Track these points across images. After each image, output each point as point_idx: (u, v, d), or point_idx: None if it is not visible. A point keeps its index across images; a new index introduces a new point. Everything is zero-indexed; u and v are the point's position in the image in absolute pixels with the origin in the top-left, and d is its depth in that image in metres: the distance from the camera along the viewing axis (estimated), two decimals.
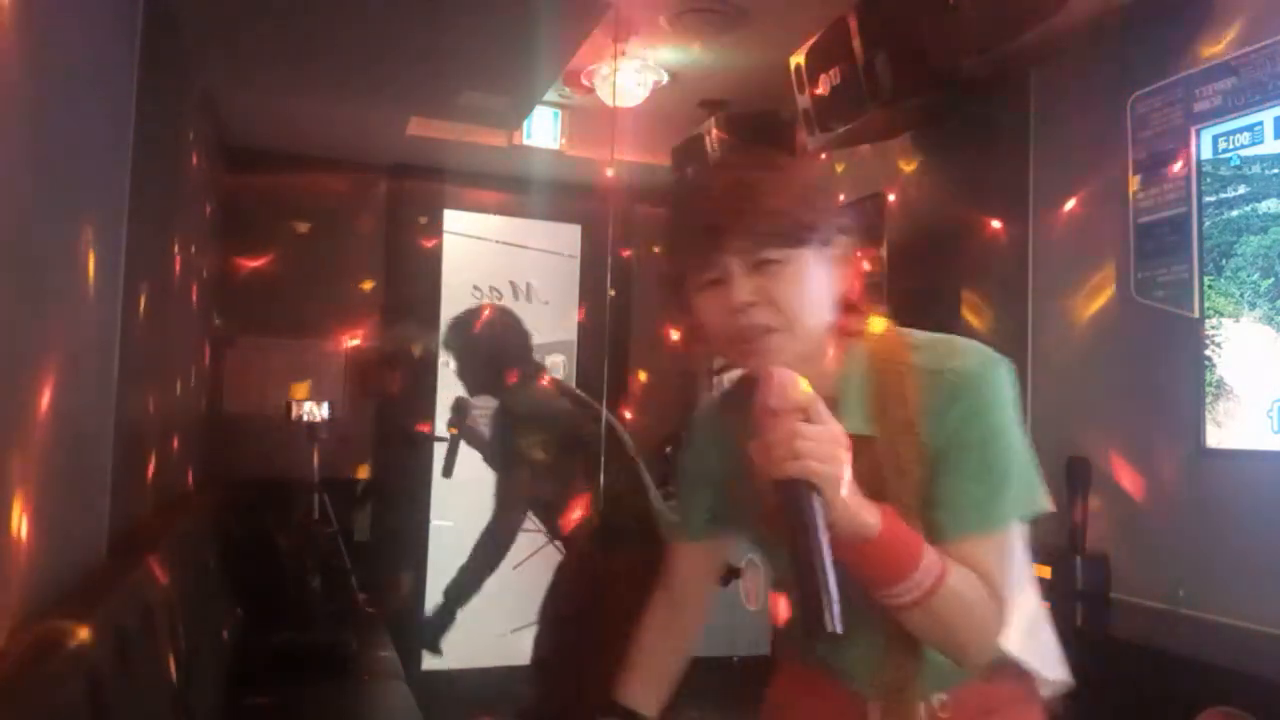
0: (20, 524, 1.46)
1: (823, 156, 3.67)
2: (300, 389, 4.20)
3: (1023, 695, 1.17)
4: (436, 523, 4.48)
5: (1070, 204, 2.55)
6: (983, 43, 2.40)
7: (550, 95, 3.82)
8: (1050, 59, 2.56)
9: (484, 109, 3.60)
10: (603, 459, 2.67)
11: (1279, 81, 2.00)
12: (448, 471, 2.93)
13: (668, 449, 4.50)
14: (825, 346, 1.08)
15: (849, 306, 1.09)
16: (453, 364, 2.84)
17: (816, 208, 1.05)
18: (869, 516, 0.93)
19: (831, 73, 2.97)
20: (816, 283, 1.04)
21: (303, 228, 4.34)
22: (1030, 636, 1.14)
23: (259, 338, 4.25)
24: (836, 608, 0.85)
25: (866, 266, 1.08)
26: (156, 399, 2.63)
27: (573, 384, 3.49)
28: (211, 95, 3.58)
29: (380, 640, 3.51)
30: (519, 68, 3.20)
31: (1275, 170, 2.00)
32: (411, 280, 4.47)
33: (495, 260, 4.71)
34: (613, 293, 4.55)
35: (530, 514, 2.81)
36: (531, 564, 4.10)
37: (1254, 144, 2.04)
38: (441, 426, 4.52)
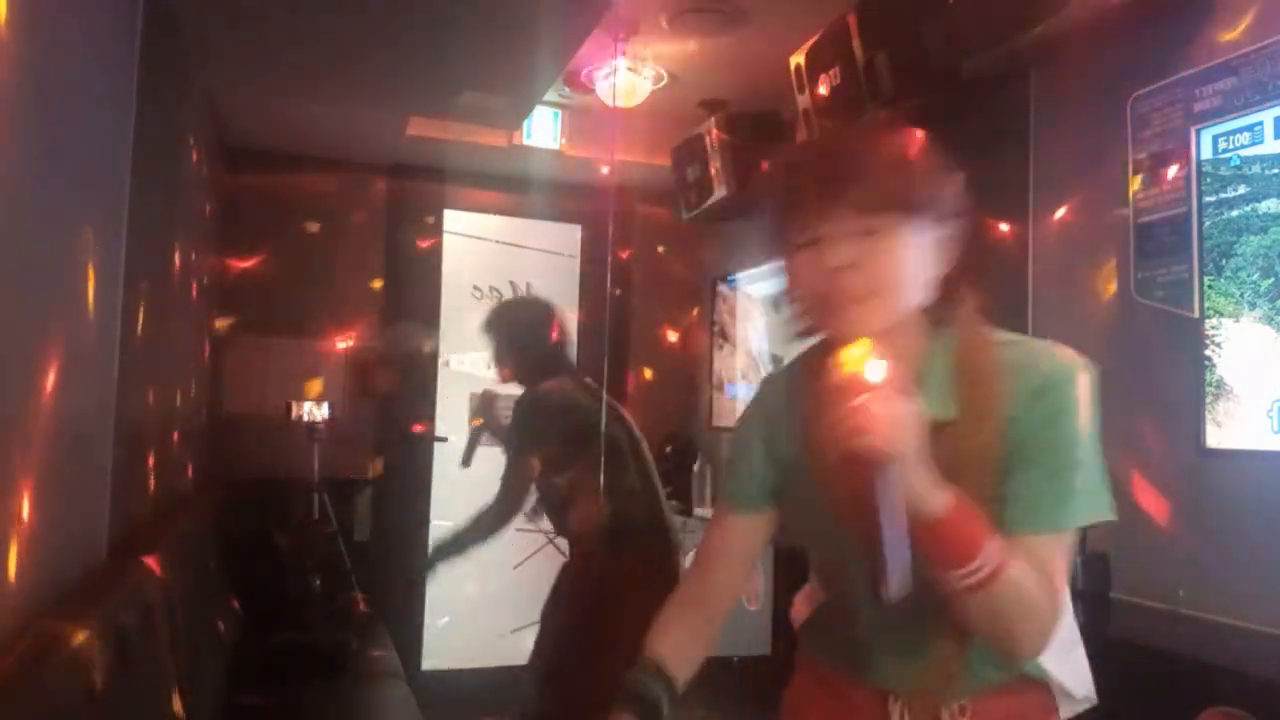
0: (20, 524, 1.46)
1: None
2: (304, 388, 4.20)
3: (1041, 708, 1.16)
4: (436, 523, 4.47)
5: (1070, 204, 2.55)
6: (983, 43, 2.40)
7: (550, 95, 3.82)
8: (1050, 59, 2.56)
9: (484, 109, 3.60)
10: (618, 462, 2.66)
11: (1279, 81, 2.00)
12: (466, 461, 2.96)
13: (668, 448, 4.50)
14: (914, 325, 1.08)
15: (946, 290, 1.08)
16: (490, 347, 2.82)
17: (930, 184, 1.04)
18: (939, 497, 0.94)
19: (831, 73, 2.97)
20: (916, 258, 1.03)
21: (303, 228, 4.34)
22: (1066, 652, 1.15)
23: (259, 338, 4.25)
24: (896, 578, 0.89)
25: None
26: (156, 399, 2.63)
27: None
28: (211, 95, 3.58)
29: (380, 640, 3.51)
30: (519, 68, 3.20)
31: (1275, 170, 2.00)
32: (411, 280, 4.47)
33: (495, 260, 4.71)
34: (617, 292, 4.56)
35: (533, 513, 2.80)
36: (532, 564, 4.11)
37: (1254, 144, 2.04)
38: (441, 426, 4.53)
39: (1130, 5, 2.20)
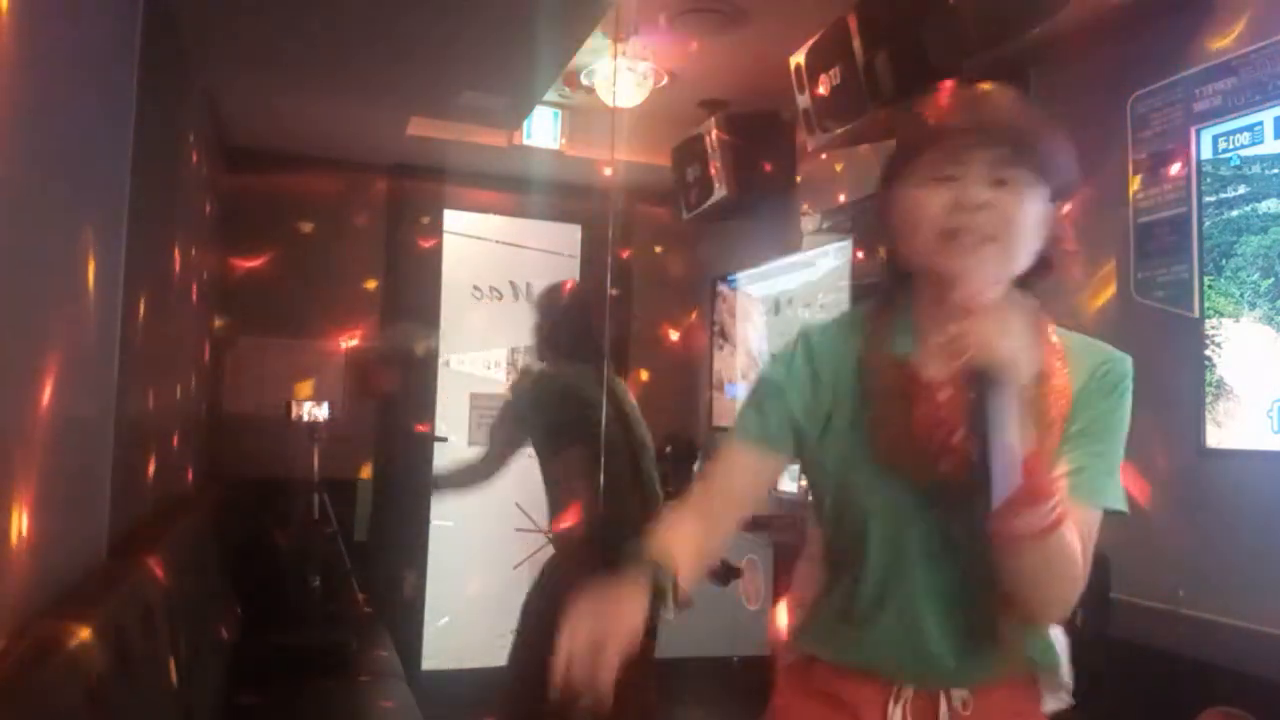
0: (20, 524, 1.46)
1: (823, 156, 3.67)
2: (304, 388, 4.20)
3: (1032, 700, 1.20)
4: (436, 523, 4.48)
5: (1070, 204, 2.55)
6: (983, 43, 2.40)
7: (550, 95, 3.82)
8: (1050, 59, 2.56)
9: (484, 109, 3.60)
10: (614, 464, 2.66)
11: (1279, 81, 2.00)
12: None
13: (668, 448, 4.50)
14: (1006, 285, 1.12)
15: (1043, 261, 1.14)
16: (535, 325, 2.88)
17: (1061, 157, 1.10)
18: (1029, 435, 1.01)
19: (831, 73, 2.97)
20: (1035, 220, 1.08)
21: (303, 228, 4.34)
22: (1063, 645, 1.20)
23: (259, 338, 4.25)
24: (1002, 484, 0.95)
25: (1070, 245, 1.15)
26: (156, 399, 2.63)
27: None
28: (211, 95, 3.58)
29: (380, 640, 3.51)
30: (519, 68, 3.20)
31: (1275, 170, 2.00)
32: (411, 280, 4.47)
33: (495, 260, 4.72)
34: (614, 292, 4.55)
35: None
36: (532, 564, 4.11)
37: (1254, 144, 2.04)
38: (441, 426, 4.53)
39: (1130, 5, 2.20)
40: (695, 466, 4.26)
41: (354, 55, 3.14)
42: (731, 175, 3.78)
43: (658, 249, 4.82)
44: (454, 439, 4.62)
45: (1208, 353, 2.11)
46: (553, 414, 2.72)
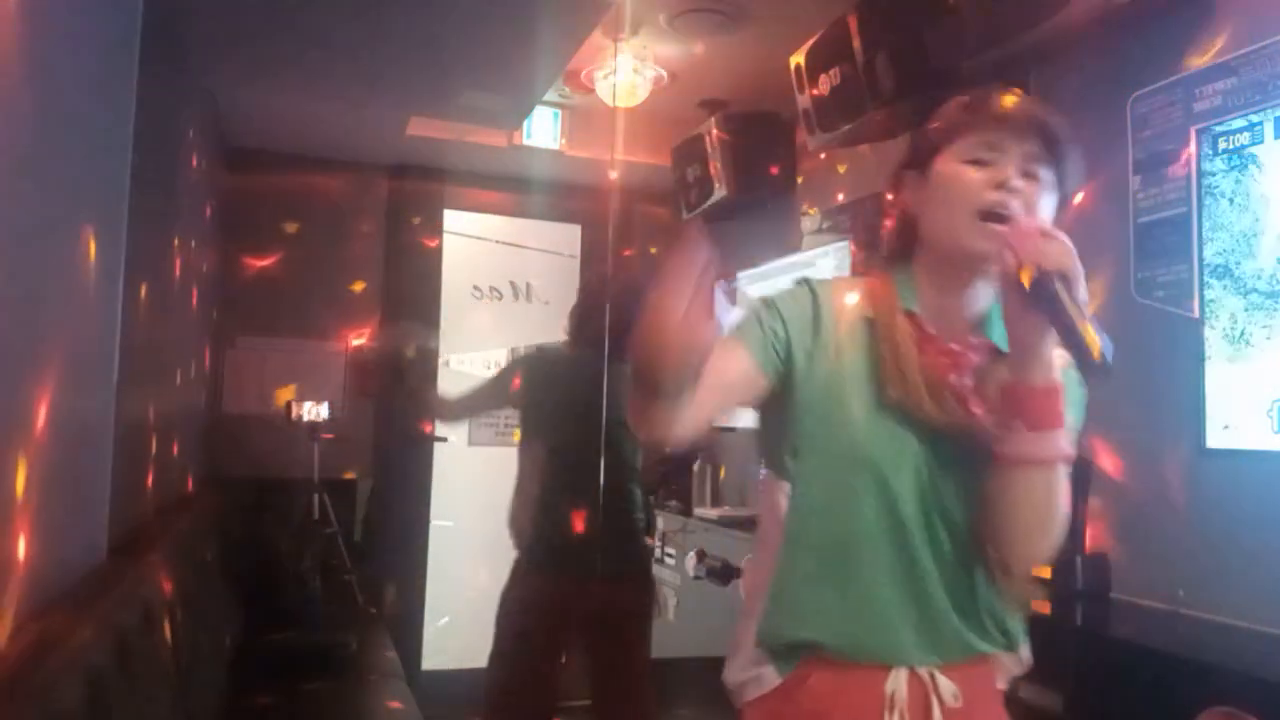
0: (21, 524, 1.46)
1: (822, 156, 3.67)
2: (313, 386, 4.20)
3: (997, 676, 1.22)
4: (436, 523, 4.48)
5: (1070, 204, 2.55)
6: (983, 43, 2.40)
7: (550, 95, 3.82)
8: (1050, 59, 2.56)
9: (484, 109, 3.60)
10: (583, 459, 2.64)
11: (1279, 81, 2.00)
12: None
13: (668, 449, 4.50)
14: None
15: None
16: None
17: (1081, 167, 1.19)
18: (1056, 362, 1.06)
19: (831, 73, 2.97)
20: (1051, 217, 1.16)
21: (303, 228, 4.34)
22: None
23: (259, 338, 4.25)
24: (1103, 341, 1.00)
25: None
26: (156, 399, 2.64)
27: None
28: (211, 95, 3.58)
29: (380, 640, 3.51)
30: (519, 68, 3.20)
31: (1275, 170, 2.00)
32: (411, 280, 4.47)
33: (495, 260, 4.72)
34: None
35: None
36: None
37: (1254, 144, 2.04)
38: (441, 426, 4.53)
39: (1130, 5, 2.20)
40: (695, 466, 4.26)
41: (354, 55, 3.14)
42: (731, 175, 3.78)
43: (657, 249, 4.82)
44: (454, 439, 4.62)
45: (1208, 353, 2.11)
46: (530, 385, 2.71)
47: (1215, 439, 2.08)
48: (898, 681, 1.13)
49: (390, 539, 4.31)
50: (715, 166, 3.82)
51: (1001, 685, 1.24)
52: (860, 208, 3.47)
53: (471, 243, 4.67)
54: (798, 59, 3.14)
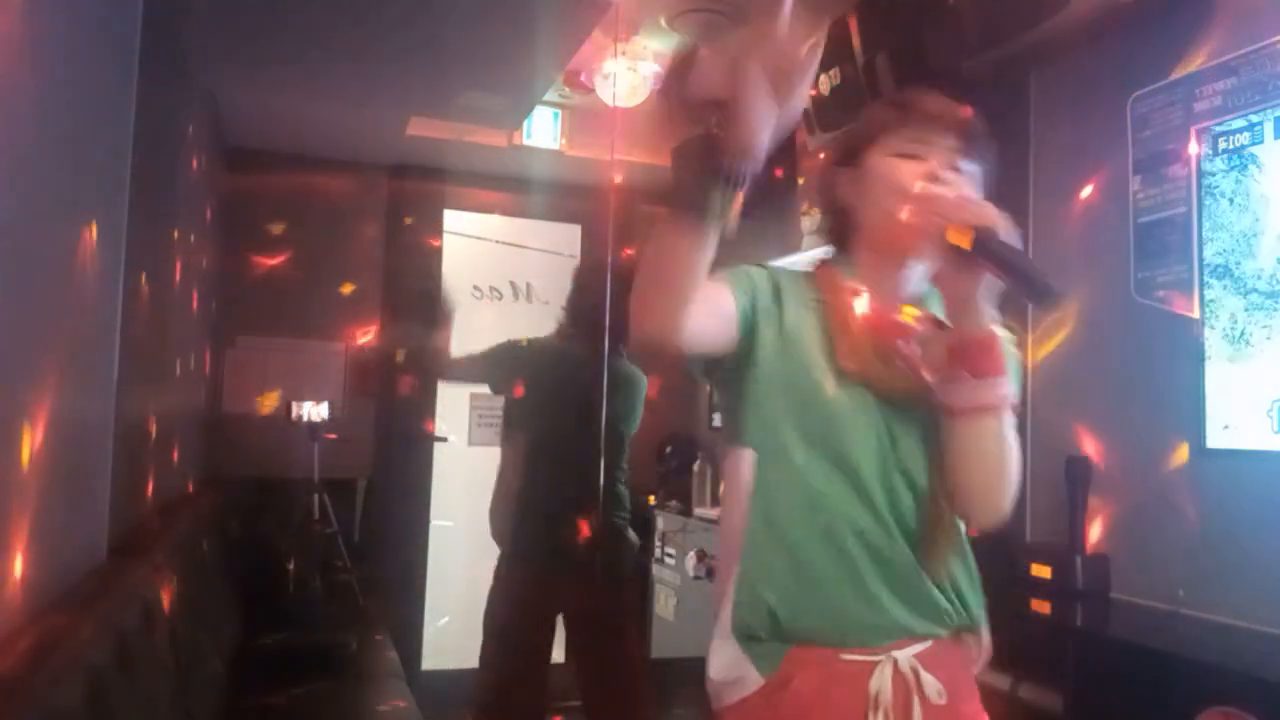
0: (21, 524, 1.46)
1: (822, 156, 3.67)
2: (313, 386, 4.19)
3: (973, 656, 1.24)
4: (436, 523, 4.48)
5: (1070, 204, 2.55)
6: (983, 43, 2.40)
7: (550, 95, 3.82)
8: (1050, 59, 2.56)
9: (484, 109, 3.60)
10: (560, 453, 2.64)
11: (1279, 81, 2.00)
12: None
13: (668, 448, 4.50)
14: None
15: None
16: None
17: (994, 165, 1.28)
18: (994, 315, 1.12)
19: (831, 73, 2.97)
20: None
21: (303, 228, 4.34)
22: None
23: (259, 338, 4.25)
24: (1049, 277, 1.08)
25: None
26: (156, 399, 2.64)
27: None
28: (211, 95, 3.58)
29: (380, 640, 3.51)
30: (519, 68, 3.20)
31: (1275, 170, 2.00)
32: (411, 280, 4.46)
33: (495, 260, 4.71)
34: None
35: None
36: None
37: (1254, 144, 2.04)
38: (441, 426, 4.54)
39: (1130, 5, 2.20)
40: (695, 466, 4.26)
41: (354, 55, 3.14)
42: None
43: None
44: (454, 439, 4.62)
45: (1208, 353, 2.11)
46: (513, 373, 2.71)
47: (1215, 439, 2.08)
48: (882, 679, 1.13)
49: (390, 539, 4.31)
50: None
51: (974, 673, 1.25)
52: None
53: (471, 243, 4.67)
54: None
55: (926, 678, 1.15)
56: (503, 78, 3.29)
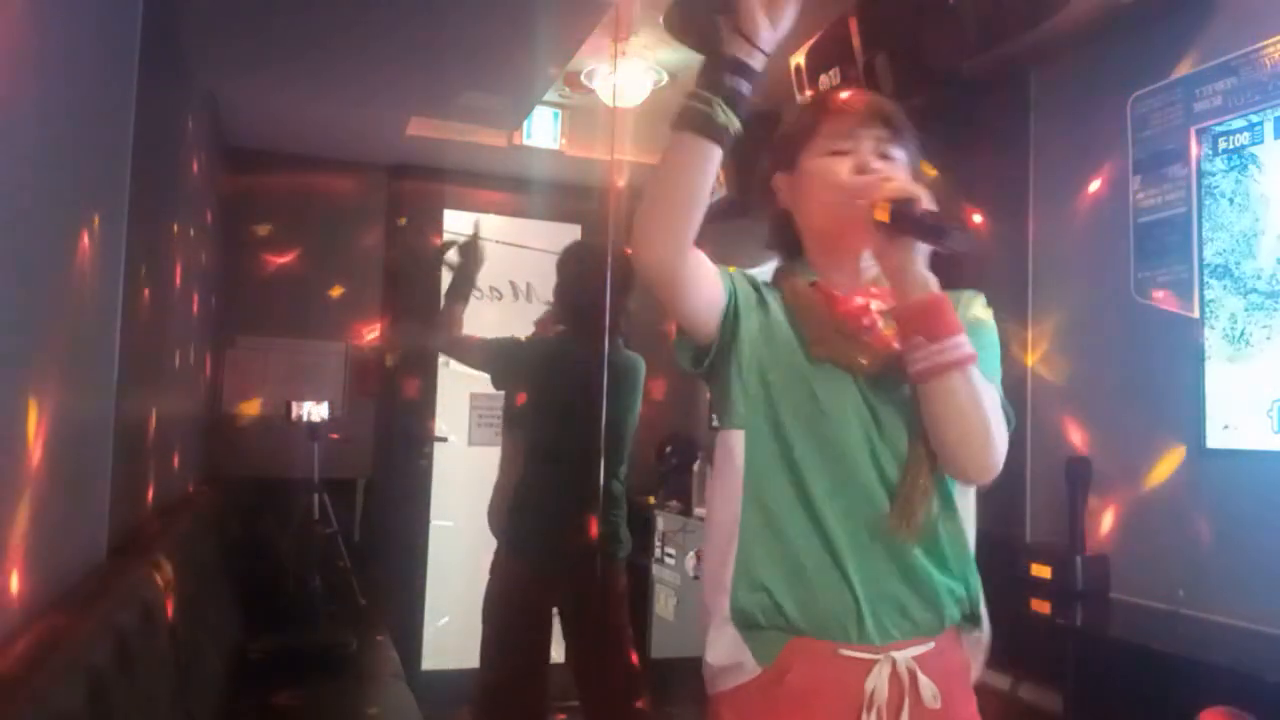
0: (21, 524, 1.46)
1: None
2: (313, 386, 4.19)
3: (968, 655, 1.25)
4: (436, 523, 4.48)
5: (1070, 204, 2.55)
6: (983, 43, 2.40)
7: (550, 95, 3.82)
8: (1050, 59, 2.56)
9: (484, 109, 3.60)
10: (555, 457, 2.64)
11: (1279, 81, 2.00)
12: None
13: (668, 448, 4.50)
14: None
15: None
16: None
17: (919, 145, 1.33)
18: (930, 278, 1.15)
19: (831, 73, 2.97)
20: None
21: (303, 228, 4.34)
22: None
23: (259, 338, 4.25)
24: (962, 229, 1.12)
25: None
26: (156, 399, 2.64)
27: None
28: (211, 95, 3.58)
29: (380, 640, 3.51)
30: (519, 68, 3.20)
31: (1275, 170, 2.00)
32: (411, 280, 4.46)
33: (495, 260, 4.68)
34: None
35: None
36: None
37: (1254, 144, 2.04)
38: (441, 426, 4.54)
39: (1130, 5, 2.20)
40: (695, 466, 4.26)
41: (354, 55, 3.14)
42: (732, 175, 3.78)
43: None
44: (454, 439, 4.62)
45: (1208, 353, 2.11)
46: (514, 375, 2.71)
47: (1215, 439, 2.08)
48: (879, 678, 1.14)
49: (390, 539, 4.31)
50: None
51: (972, 678, 1.25)
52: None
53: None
54: (798, 59, 3.14)
55: (923, 680, 1.15)
56: (503, 78, 3.29)
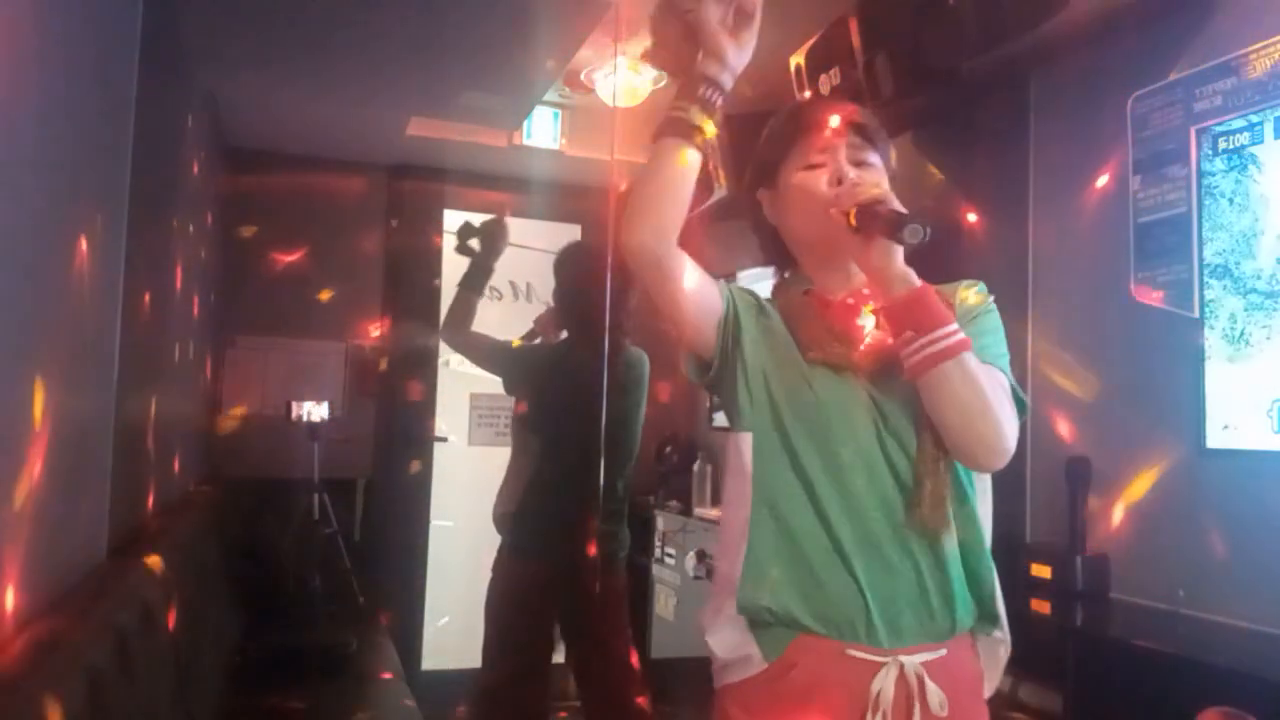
0: (21, 524, 1.46)
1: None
2: (313, 386, 4.19)
3: (976, 657, 1.25)
4: (436, 523, 4.48)
5: (1070, 204, 2.55)
6: (983, 43, 2.40)
7: (550, 95, 3.82)
8: (1050, 59, 2.56)
9: (484, 109, 3.60)
10: (559, 456, 2.64)
11: (1279, 81, 2.00)
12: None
13: (668, 448, 4.50)
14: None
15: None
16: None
17: (890, 151, 1.35)
18: (910, 273, 1.17)
19: (831, 73, 2.97)
20: (885, 187, 1.26)
21: (302, 228, 4.34)
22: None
23: (259, 338, 4.25)
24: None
25: None
26: (156, 399, 2.63)
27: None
28: (211, 95, 3.58)
29: (380, 640, 3.51)
30: (519, 68, 3.20)
31: (1275, 170, 2.00)
32: (411, 280, 4.46)
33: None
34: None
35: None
36: None
37: (1254, 144, 2.04)
38: (441, 426, 4.54)
39: (1130, 5, 2.20)
40: (695, 467, 4.26)
41: (354, 55, 3.14)
42: (732, 175, 3.78)
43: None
44: (454, 439, 4.62)
45: (1208, 353, 2.11)
46: (518, 381, 2.72)
47: (1215, 439, 2.08)
48: (885, 681, 1.14)
49: (390, 539, 4.31)
50: (715, 166, 3.82)
51: (987, 691, 1.25)
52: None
53: (454, 250, 4.67)
54: (798, 59, 3.13)
55: (931, 687, 1.15)
56: (503, 78, 3.29)
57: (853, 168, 1.27)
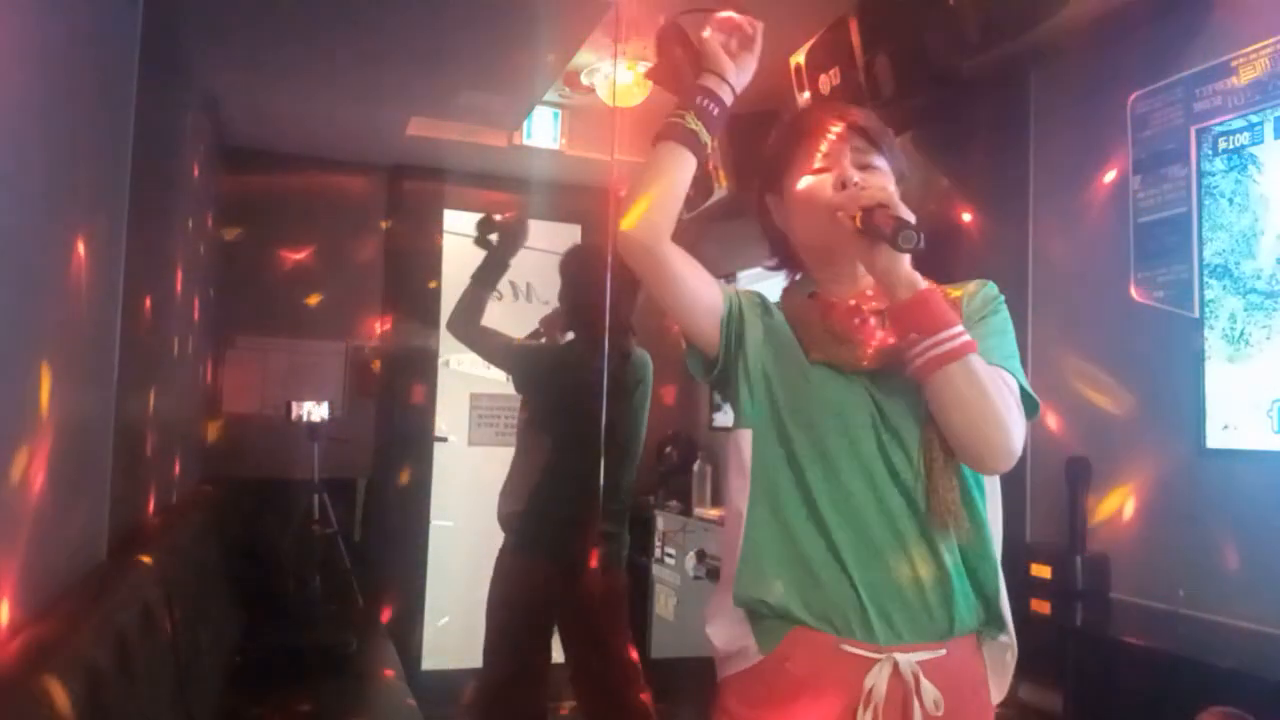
0: (21, 524, 1.46)
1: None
2: (313, 386, 4.19)
3: (979, 659, 1.25)
4: (436, 523, 4.48)
5: (1070, 204, 2.55)
6: (983, 43, 2.40)
7: (550, 95, 3.82)
8: (1050, 59, 2.56)
9: (484, 109, 3.60)
10: (565, 455, 2.64)
11: (1279, 81, 2.00)
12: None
13: (668, 449, 4.50)
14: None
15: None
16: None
17: (900, 150, 1.36)
18: (916, 276, 1.18)
19: (831, 73, 2.97)
20: (892, 190, 1.26)
21: (303, 228, 4.34)
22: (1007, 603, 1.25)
23: (259, 338, 4.25)
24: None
25: None
26: (156, 399, 2.63)
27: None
28: (211, 95, 3.58)
29: (380, 640, 3.51)
30: (519, 68, 3.20)
31: (1275, 170, 2.00)
32: (411, 280, 4.46)
33: None
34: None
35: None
36: None
37: (1254, 144, 2.04)
38: (441, 426, 4.54)
39: (1130, 5, 2.20)
40: (695, 467, 4.26)
41: (354, 55, 3.14)
42: (732, 175, 3.78)
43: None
44: (454, 439, 4.62)
45: (1208, 353, 2.11)
46: (522, 381, 2.73)
47: (1215, 439, 2.08)
48: (879, 677, 1.14)
49: (390, 539, 4.31)
50: (715, 166, 3.82)
51: (996, 697, 1.25)
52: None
53: (471, 243, 4.66)
54: (798, 59, 3.13)
55: (926, 685, 1.15)
56: (503, 78, 3.29)
57: (857, 171, 1.28)
